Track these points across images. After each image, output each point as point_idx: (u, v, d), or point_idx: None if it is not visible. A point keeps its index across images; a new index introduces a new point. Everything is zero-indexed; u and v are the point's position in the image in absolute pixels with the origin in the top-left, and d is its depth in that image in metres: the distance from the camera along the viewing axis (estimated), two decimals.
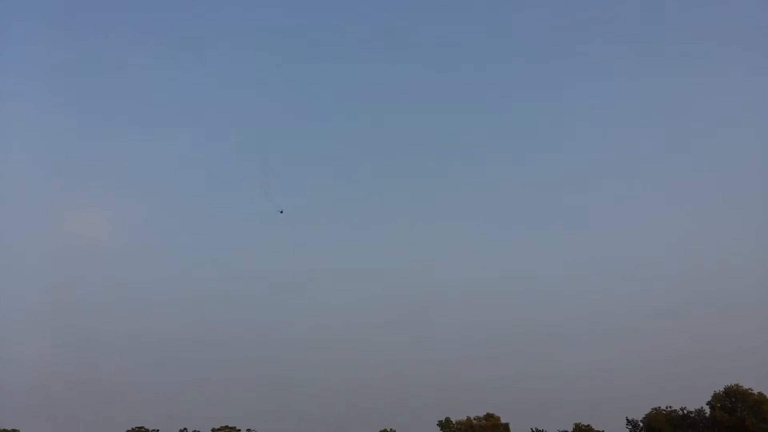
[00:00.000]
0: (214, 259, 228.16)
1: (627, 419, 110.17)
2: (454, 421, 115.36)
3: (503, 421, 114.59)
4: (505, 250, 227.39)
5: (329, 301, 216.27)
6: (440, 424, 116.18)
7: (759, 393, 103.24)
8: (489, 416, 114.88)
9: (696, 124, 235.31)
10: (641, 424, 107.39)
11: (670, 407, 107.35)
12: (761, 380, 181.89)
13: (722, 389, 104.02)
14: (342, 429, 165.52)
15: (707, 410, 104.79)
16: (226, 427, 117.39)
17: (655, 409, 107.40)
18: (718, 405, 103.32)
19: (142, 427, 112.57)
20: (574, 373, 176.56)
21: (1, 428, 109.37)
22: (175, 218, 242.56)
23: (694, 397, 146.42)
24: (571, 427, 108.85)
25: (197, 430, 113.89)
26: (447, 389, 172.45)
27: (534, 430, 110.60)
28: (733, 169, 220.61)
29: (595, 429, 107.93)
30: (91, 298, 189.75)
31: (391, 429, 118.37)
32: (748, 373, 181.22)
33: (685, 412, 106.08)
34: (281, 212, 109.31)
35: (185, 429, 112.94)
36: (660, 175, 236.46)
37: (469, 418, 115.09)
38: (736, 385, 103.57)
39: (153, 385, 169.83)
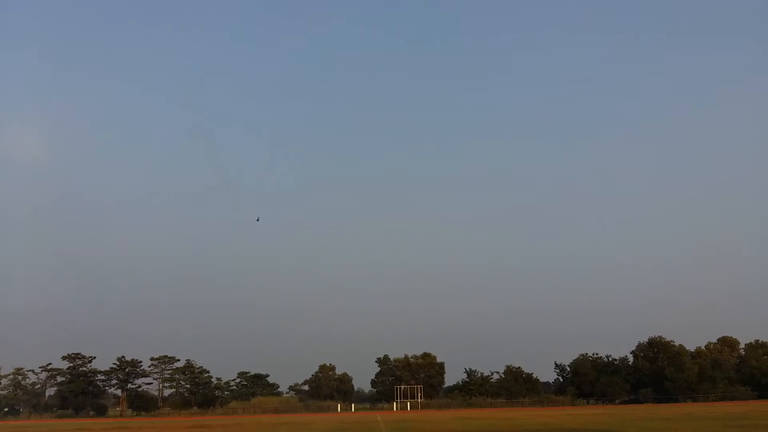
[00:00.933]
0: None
1: (555, 363, 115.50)
2: (392, 359, 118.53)
3: (439, 360, 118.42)
4: None
5: (277, 227, 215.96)
6: (379, 360, 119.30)
7: (680, 345, 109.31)
8: (426, 355, 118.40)
9: None
10: (568, 368, 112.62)
11: (597, 354, 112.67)
12: (682, 333, 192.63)
13: (646, 340, 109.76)
14: (283, 362, 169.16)
15: (630, 358, 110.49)
16: (165, 356, 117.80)
17: (582, 355, 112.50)
18: (642, 354, 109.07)
19: (78, 353, 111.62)
20: (506, 316, 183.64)
21: None
22: None
23: (621, 347, 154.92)
24: (503, 369, 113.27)
25: (136, 358, 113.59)
26: (388, 329, 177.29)
27: (467, 369, 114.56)
28: None
29: (525, 371, 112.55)
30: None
31: (330, 364, 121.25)
32: (672, 326, 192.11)
33: (610, 359, 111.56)
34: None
35: (123, 357, 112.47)
36: None
37: (406, 356, 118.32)
38: (660, 336, 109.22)
39: (89, 312, 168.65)
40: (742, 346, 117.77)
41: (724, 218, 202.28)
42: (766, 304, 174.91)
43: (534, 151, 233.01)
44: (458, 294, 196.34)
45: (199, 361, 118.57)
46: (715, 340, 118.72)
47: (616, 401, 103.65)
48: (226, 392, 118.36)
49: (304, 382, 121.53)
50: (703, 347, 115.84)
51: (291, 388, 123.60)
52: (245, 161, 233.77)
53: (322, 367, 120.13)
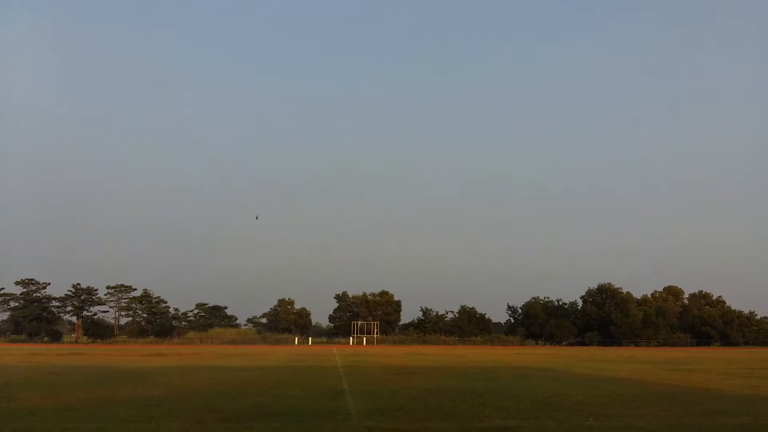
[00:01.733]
0: None
1: (508, 305, 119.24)
2: (350, 295, 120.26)
3: (396, 298, 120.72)
4: None
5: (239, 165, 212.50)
6: (337, 297, 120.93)
7: (627, 292, 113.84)
8: (383, 293, 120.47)
9: None
10: (520, 311, 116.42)
11: (548, 297, 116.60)
12: (631, 281, 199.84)
13: (596, 286, 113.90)
14: (241, 295, 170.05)
15: (580, 303, 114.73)
16: (122, 285, 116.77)
17: (534, 298, 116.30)
18: (590, 300, 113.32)
19: (32, 279, 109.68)
20: (462, 259, 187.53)
21: None
22: None
23: (571, 292, 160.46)
24: (457, 309, 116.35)
25: (91, 286, 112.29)
26: (347, 267, 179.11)
27: (423, 308, 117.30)
28: None
29: (479, 311, 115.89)
30: None
31: (289, 299, 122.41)
32: (622, 274, 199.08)
33: (560, 303, 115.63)
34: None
35: (78, 284, 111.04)
36: None
37: (364, 293, 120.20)
38: (609, 283, 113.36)
39: (44, 237, 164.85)
40: (686, 295, 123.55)
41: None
42: (713, 256, 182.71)
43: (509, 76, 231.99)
44: (417, 235, 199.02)
45: (156, 292, 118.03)
46: (661, 289, 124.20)
47: (563, 343, 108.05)
48: (183, 323, 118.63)
49: (263, 315, 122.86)
50: (649, 295, 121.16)
51: (249, 320, 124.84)
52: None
53: (281, 302, 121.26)
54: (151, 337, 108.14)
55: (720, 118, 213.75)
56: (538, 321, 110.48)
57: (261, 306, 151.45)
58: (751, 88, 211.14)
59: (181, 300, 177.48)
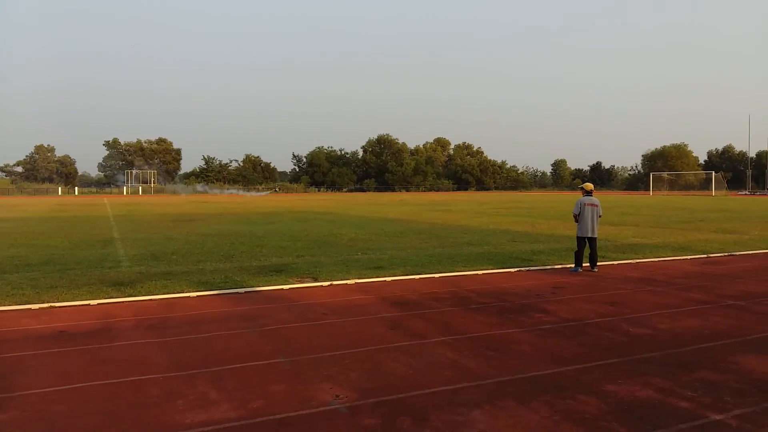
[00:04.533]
0: None
1: (293, 154, 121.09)
2: (122, 143, 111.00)
3: (176, 146, 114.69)
4: None
5: None
6: (107, 144, 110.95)
7: (403, 143, 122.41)
8: (161, 140, 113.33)
9: None
10: (305, 159, 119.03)
11: (331, 147, 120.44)
12: (406, 132, 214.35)
13: (375, 137, 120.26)
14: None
15: (360, 153, 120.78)
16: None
17: (318, 147, 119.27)
18: (370, 149, 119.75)
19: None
20: (248, 108, 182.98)
21: None
22: None
23: (353, 142, 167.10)
24: (242, 157, 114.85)
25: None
26: (119, 111, 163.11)
27: (205, 156, 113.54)
28: None
29: (264, 160, 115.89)
30: None
31: (49, 145, 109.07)
32: (398, 125, 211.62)
33: (343, 152, 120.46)
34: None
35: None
36: None
37: (139, 141, 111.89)
38: (387, 134, 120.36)
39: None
40: (452, 146, 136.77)
41: None
42: (476, 112, 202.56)
43: None
44: (199, 82, 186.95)
45: None
46: (432, 141, 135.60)
47: (344, 190, 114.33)
48: None
49: (17, 164, 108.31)
50: (421, 146, 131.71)
51: (1, 169, 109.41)
52: None
53: (39, 148, 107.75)
54: None
55: None
56: (321, 169, 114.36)
57: (14, 152, 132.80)
58: None
59: None
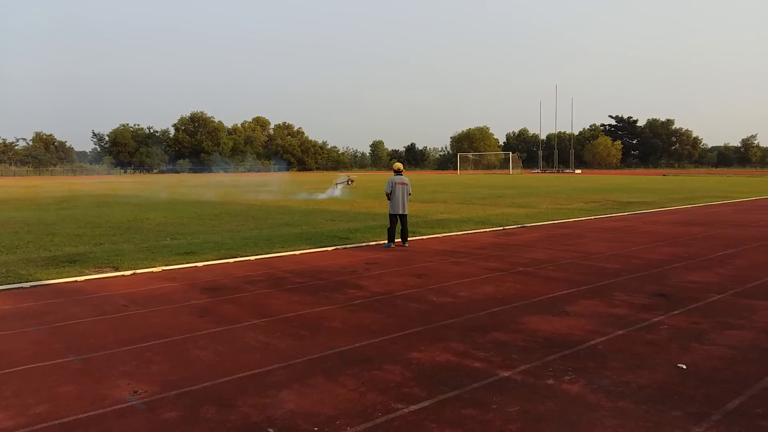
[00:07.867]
0: None
1: (93, 132, 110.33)
2: None
3: None
4: None
5: None
6: None
7: (219, 121, 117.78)
8: None
9: None
10: (107, 138, 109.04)
11: (138, 125, 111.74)
12: (222, 111, 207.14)
13: (188, 115, 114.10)
14: None
15: (172, 131, 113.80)
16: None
17: (122, 125, 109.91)
18: (182, 128, 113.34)
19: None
20: (36, 85, 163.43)
21: None
22: None
23: (163, 120, 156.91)
24: (31, 136, 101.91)
25: None
26: None
27: None
28: None
29: (58, 139, 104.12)
30: None
31: None
32: (214, 103, 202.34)
33: (152, 131, 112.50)
34: None
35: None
36: None
37: None
38: (201, 112, 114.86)
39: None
40: (272, 126, 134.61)
41: None
42: (295, 92, 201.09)
43: None
44: None
45: None
46: (250, 120, 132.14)
47: (155, 171, 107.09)
48: None
49: None
50: (239, 125, 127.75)
51: None
52: None
53: None
54: None
55: None
56: (127, 149, 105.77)
57: None
58: None
59: None
